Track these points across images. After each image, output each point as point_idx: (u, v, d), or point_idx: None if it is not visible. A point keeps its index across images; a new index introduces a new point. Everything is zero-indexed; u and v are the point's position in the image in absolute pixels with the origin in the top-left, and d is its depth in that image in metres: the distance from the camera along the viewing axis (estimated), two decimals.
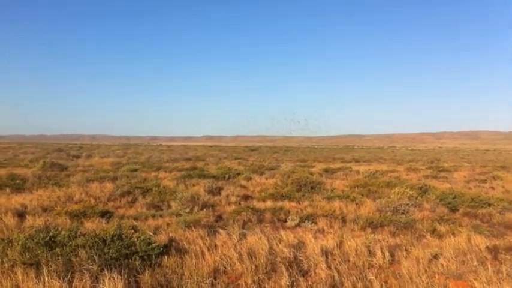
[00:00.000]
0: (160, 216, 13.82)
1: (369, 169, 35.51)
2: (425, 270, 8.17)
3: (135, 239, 8.27)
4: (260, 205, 16.03)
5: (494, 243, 10.26)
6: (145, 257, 8.10)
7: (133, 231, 8.79)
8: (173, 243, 9.55)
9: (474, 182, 27.54)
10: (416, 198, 17.73)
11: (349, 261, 8.79)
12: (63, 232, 8.37)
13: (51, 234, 8.25)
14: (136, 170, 32.12)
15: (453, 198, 16.93)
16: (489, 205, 16.20)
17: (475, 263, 8.70)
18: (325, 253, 9.11)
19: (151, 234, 9.91)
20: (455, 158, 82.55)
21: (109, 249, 7.91)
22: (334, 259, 8.78)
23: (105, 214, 13.67)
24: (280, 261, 8.35)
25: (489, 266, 8.20)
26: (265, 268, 8.08)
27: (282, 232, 11.12)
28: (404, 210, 14.70)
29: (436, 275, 7.86)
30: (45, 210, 14.85)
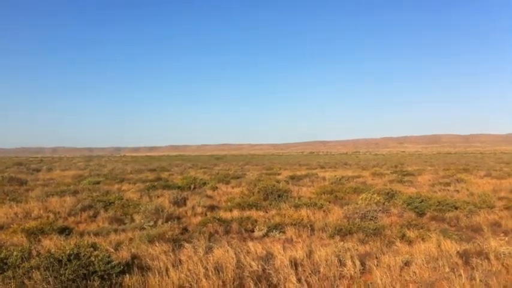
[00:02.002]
0: (123, 230, 13.29)
1: (335, 175, 35.59)
2: (398, 279, 7.95)
3: (94, 258, 7.77)
4: (227, 215, 15.67)
5: (464, 248, 10.14)
6: (105, 276, 7.62)
7: (92, 249, 8.27)
8: (135, 260, 9.09)
9: (439, 185, 27.73)
10: (384, 203, 17.68)
11: (319, 272, 8.50)
12: (15, 253, 7.83)
13: (2, 255, 7.70)
14: (98, 182, 31.30)
15: (420, 203, 16.90)
16: (456, 208, 16.24)
17: (447, 269, 8.53)
18: (295, 264, 8.81)
19: (113, 251, 9.45)
20: (418, 161, 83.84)
21: (65, 270, 7.41)
22: (304, 271, 8.48)
23: (65, 230, 13.08)
24: (248, 276, 8.00)
25: (462, 272, 8.03)
26: (233, 284, 7.72)
27: (250, 243, 10.79)
28: (372, 217, 14.57)
29: (410, 284, 7.64)
30: (1, 228, 14.16)
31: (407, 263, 8.96)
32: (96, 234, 12.77)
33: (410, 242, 11.40)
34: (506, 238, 11.99)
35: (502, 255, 9.23)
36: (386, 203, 17.98)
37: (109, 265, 7.75)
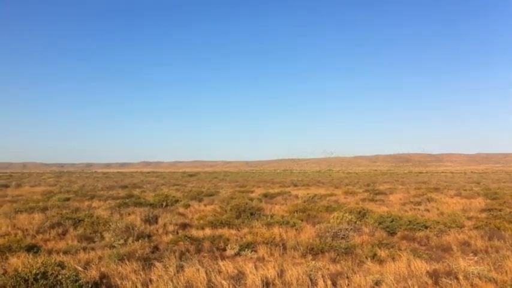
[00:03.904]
0: (92, 249, 13.09)
1: (308, 193, 35.71)
2: None
3: (61, 277, 7.64)
4: (199, 233, 15.60)
5: (434, 268, 10.28)
6: None
7: (59, 267, 8.12)
8: (104, 280, 8.97)
9: (410, 204, 28.07)
10: (355, 222, 17.80)
11: None
12: None
13: None
14: (68, 199, 30.85)
15: (391, 222, 17.08)
16: (426, 228, 16.44)
17: None
18: (266, 284, 8.82)
19: (81, 269, 9.30)
20: (390, 180, 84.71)
21: None
22: None
23: (33, 248, 12.80)
24: None
25: None
26: None
27: (221, 262, 10.73)
28: (344, 235, 14.66)
29: None
30: None
31: (377, 283, 9.04)
32: (65, 252, 12.56)
33: (381, 262, 11.49)
34: (475, 258, 12.19)
35: (471, 275, 9.39)
36: (358, 222, 18.11)
37: (77, 284, 7.64)
